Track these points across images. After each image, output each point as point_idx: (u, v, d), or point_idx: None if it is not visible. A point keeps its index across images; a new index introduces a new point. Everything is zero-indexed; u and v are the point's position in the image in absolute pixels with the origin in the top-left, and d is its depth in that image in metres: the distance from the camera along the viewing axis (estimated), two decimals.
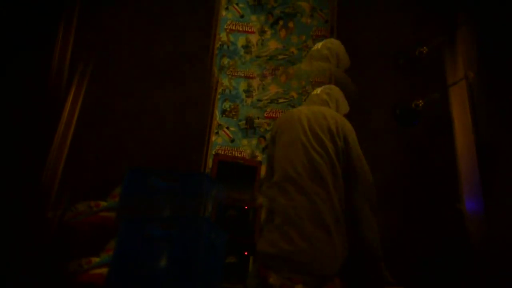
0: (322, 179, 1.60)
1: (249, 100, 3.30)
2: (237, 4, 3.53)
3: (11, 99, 1.88)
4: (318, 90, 1.85)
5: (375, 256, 1.60)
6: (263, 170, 2.45)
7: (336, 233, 1.55)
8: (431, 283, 1.73)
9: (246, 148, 3.17)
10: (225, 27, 3.45)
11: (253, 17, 3.50)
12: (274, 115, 3.26)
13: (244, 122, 3.25)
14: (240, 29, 3.46)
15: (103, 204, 1.88)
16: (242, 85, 3.33)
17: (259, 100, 3.31)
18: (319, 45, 2.03)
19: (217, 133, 3.18)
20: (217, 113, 3.18)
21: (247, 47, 3.42)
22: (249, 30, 3.46)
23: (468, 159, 1.76)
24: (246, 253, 2.18)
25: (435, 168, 2.11)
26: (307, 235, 1.51)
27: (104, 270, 1.60)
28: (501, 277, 1.49)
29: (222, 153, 3.07)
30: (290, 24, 3.50)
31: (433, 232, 1.86)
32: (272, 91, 3.33)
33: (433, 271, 1.76)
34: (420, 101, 2.08)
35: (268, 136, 3.21)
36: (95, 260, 1.67)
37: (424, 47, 2.05)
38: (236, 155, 3.10)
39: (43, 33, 2.09)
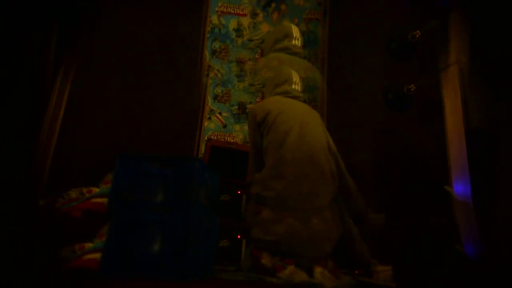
0: (318, 163, 1.65)
1: (241, 85, 3.27)
2: None
3: None
4: (298, 87, 1.95)
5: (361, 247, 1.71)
6: None
7: (331, 216, 1.59)
8: (418, 264, 1.78)
9: (239, 133, 3.17)
10: (216, 9, 3.38)
11: None
12: None
13: (236, 107, 3.23)
14: (232, 11, 3.39)
15: (95, 190, 1.87)
16: (234, 70, 3.29)
17: (251, 85, 3.28)
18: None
19: (209, 118, 3.16)
20: (209, 98, 3.16)
21: (238, 30, 3.37)
22: (241, 13, 3.40)
23: (457, 144, 1.79)
24: (239, 237, 2.22)
25: (424, 152, 2.14)
26: (303, 218, 1.55)
27: (97, 255, 1.59)
28: (484, 260, 1.54)
29: (215, 138, 3.06)
30: (283, 6, 3.45)
31: (420, 215, 1.90)
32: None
33: (420, 253, 1.81)
34: (412, 85, 2.08)
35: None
36: (89, 245, 1.66)
37: (417, 31, 2.03)
38: (228, 140, 3.09)
39: (29, 17, 2.03)
